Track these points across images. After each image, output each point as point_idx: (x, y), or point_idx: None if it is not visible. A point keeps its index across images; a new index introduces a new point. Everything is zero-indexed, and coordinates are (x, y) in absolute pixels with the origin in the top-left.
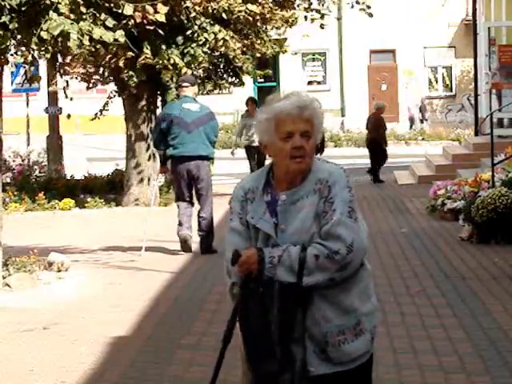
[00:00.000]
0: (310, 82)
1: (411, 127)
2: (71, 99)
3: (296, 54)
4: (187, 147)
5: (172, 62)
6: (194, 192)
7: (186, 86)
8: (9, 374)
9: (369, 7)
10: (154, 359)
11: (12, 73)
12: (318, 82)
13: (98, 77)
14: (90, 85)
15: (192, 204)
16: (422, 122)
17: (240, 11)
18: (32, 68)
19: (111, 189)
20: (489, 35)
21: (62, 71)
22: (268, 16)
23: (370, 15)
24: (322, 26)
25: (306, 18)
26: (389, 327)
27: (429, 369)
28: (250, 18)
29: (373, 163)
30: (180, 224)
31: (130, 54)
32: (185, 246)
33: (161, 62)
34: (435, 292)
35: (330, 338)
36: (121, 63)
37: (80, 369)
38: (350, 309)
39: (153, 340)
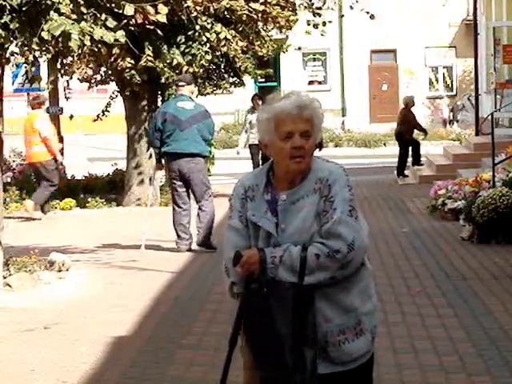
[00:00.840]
0: (310, 82)
1: (445, 127)
2: (67, 99)
3: (300, 48)
4: (179, 144)
5: (175, 62)
6: (189, 190)
7: (182, 86)
8: (9, 373)
9: (368, 13)
10: (154, 359)
11: (13, 73)
12: (319, 82)
13: (98, 77)
14: (91, 84)
15: (187, 205)
16: (452, 122)
17: (242, 10)
18: (33, 68)
19: (112, 189)
20: (494, 35)
21: (62, 71)
22: (272, 15)
23: (372, 17)
24: (322, 34)
25: (308, 23)
26: (389, 327)
27: (429, 369)
28: (255, 16)
29: (400, 157)
30: (178, 236)
31: (131, 61)
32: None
33: (162, 64)
34: (436, 292)
35: (330, 338)
36: (124, 64)
37: (81, 369)
38: (351, 308)
39: (153, 340)
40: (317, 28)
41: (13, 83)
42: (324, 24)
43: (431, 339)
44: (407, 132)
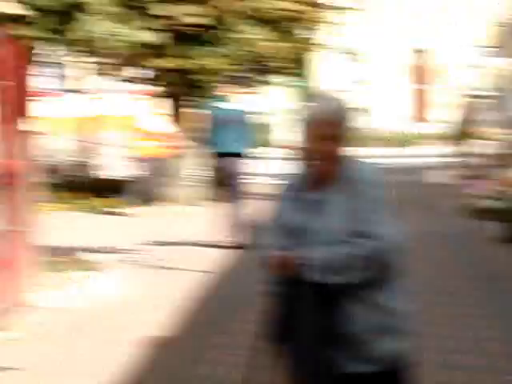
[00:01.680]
0: (346, 82)
1: None
2: (100, 99)
3: (333, 47)
4: (224, 144)
5: (206, 64)
6: (232, 188)
7: (225, 87)
8: (44, 373)
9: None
10: (187, 358)
11: (44, 73)
12: (355, 82)
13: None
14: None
15: (233, 201)
16: None
17: (277, 9)
18: (64, 68)
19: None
20: None
21: (99, 71)
22: (305, 15)
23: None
24: (339, 35)
25: (330, 22)
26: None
27: (457, 369)
28: (290, 14)
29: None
30: (230, 227)
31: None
32: (237, 246)
33: (194, 65)
34: (471, 293)
35: (361, 337)
36: (169, 64)
37: (115, 369)
38: (384, 308)
39: (185, 340)
40: (332, 27)
41: (43, 82)
42: (341, 23)
43: (455, 338)
44: (466, 126)
